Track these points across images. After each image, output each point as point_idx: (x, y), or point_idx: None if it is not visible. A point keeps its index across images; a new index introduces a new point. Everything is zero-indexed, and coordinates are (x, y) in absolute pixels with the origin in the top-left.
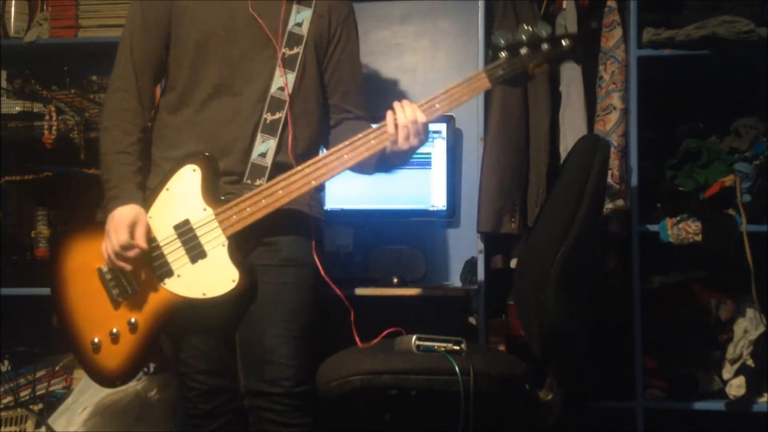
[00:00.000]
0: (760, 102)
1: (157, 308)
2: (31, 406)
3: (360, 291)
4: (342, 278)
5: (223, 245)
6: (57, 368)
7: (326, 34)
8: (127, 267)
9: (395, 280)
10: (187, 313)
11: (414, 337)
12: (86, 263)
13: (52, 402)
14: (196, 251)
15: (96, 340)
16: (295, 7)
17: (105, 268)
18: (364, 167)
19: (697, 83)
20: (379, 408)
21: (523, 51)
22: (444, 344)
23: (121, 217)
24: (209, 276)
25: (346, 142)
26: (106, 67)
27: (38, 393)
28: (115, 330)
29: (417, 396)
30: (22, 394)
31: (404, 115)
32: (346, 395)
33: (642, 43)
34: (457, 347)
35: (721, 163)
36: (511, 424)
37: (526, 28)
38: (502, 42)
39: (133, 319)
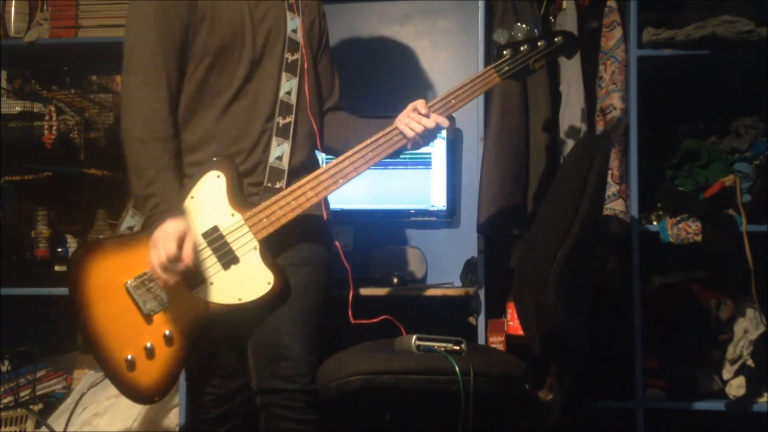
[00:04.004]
0: (760, 102)
1: (192, 318)
2: (31, 406)
3: (360, 291)
4: (342, 278)
5: (255, 249)
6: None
7: (316, 37)
8: (171, 281)
9: (395, 280)
10: (219, 320)
11: (414, 337)
12: (110, 280)
13: (52, 402)
14: (228, 257)
15: (129, 357)
16: (288, 13)
17: (133, 283)
18: None
19: (697, 83)
20: (379, 408)
21: (523, 48)
22: (444, 344)
23: (169, 229)
24: (244, 280)
25: (369, 141)
26: (106, 67)
27: (38, 393)
28: (149, 345)
29: (417, 396)
30: (22, 394)
31: (421, 126)
32: (346, 395)
33: (642, 43)
34: (457, 347)
35: (721, 163)
36: (511, 425)
37: (521, 26)
38: (502, 40)
39: (167, 332)
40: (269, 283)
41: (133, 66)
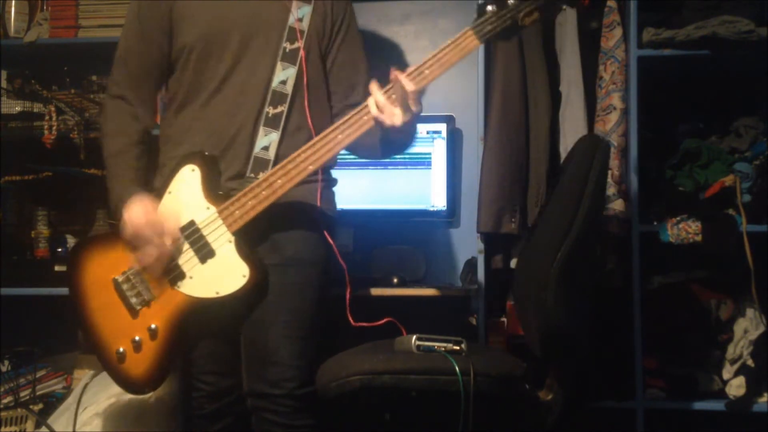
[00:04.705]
0: (760, 102)
1: (175, 312)
2: (31, 406)
3: (360, 291)
4: (342, 278)
5: (230, 242)
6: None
7: (328, 27)
8: (165, 260)
9: (395, 280)
10: (201, 314)
11: (414, 337)
12: (101, 275)
13: (52, 402)
14: (204, 251)
15: (120, 349)
16: (295, 2)
17: (120, 278)
18: (369, 150)
19: (697, 83)
20: (379, 408)
21: (511, 1)
22: (444, 344)
23: (138, 213)
24: (220, 274)
25: (339, 122)
26: (106, 67)
27: (38, 393)
28: (137, 338)
29: (417, 396)
30: (22, 394)
31: (383, 97)
32: (346, 396)
33: (642, 43)
34: (457, 347)
35: (721, 163)
36: (511, 424)
37: None
38: None
39: (153, 326)
40: (244, 276)
41: (113, 65)
